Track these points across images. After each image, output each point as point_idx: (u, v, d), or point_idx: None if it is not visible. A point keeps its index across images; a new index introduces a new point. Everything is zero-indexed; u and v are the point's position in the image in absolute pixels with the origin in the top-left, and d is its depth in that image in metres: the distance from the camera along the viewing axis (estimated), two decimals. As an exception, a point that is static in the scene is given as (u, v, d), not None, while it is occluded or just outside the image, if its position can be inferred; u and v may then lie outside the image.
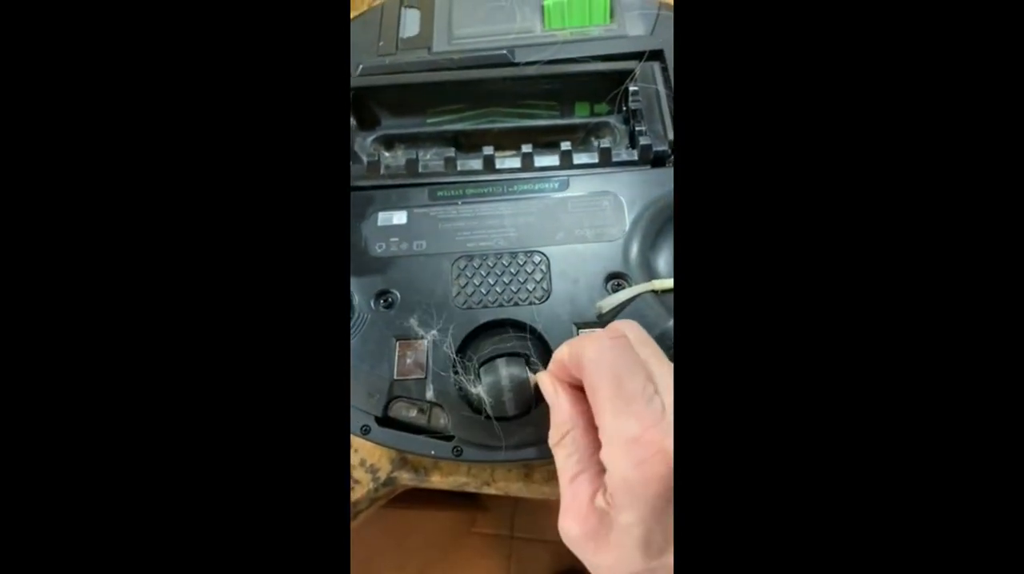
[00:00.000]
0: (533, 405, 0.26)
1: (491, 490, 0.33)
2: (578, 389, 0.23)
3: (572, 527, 0.21)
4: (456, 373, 0.27)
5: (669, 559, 0.19)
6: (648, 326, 0.27)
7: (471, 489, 0.33)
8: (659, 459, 0.18)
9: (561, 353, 0.23)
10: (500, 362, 0.27)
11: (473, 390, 0.27)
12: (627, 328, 0.22)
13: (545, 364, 0.25)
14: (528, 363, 0.27)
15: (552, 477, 0.33)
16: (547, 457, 0.26)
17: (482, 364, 0.27)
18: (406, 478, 0.33)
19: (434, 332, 0.28)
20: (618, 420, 0.20)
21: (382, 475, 0.33)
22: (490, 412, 0.27)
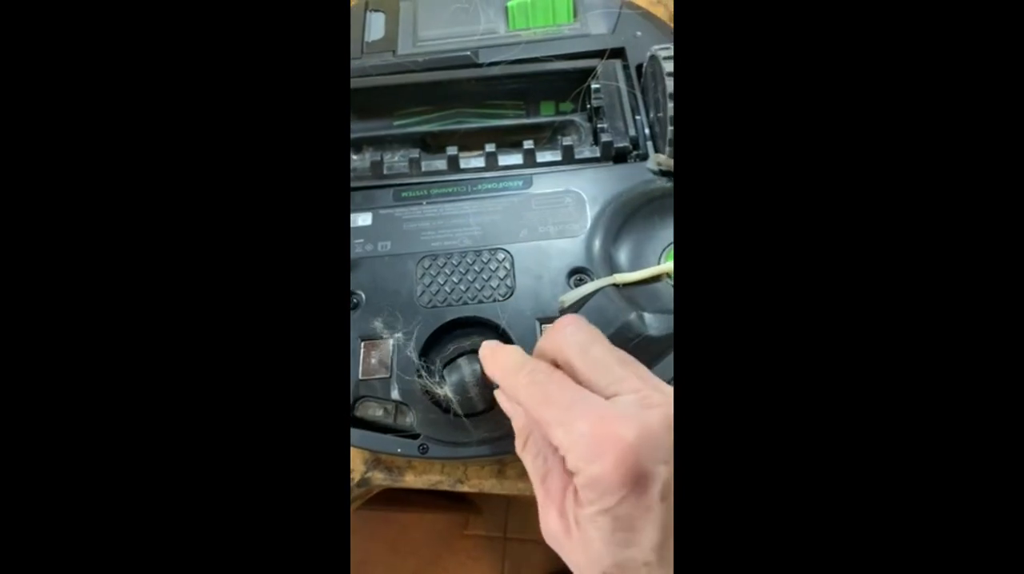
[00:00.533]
0: None
1: (465, 487, 0.33)
2: None
3: (550, 526, 0.21)
4: (420, 377, 0.27)
5: (636, 553, 0.19)
6: (610, 319, 0.28)
7: (445, 487, 0.33)
8: (612, 445, 0.19)
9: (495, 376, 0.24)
10: (462, 360, 0.27)
11: (440, 392, 0.27)
12: (566, 333, 0.22)
13: None
14: None
15: (524, 473, 0.33)
16: (512, 451, 0.27)
17: (445, 365, 0.27)
18: (380, 478, 0.33)
19: (399, 335, 0.28)
20: (564, 429, 0.20)
21: (356, 476, 0.34)
22: (459, 410, 0.27)
